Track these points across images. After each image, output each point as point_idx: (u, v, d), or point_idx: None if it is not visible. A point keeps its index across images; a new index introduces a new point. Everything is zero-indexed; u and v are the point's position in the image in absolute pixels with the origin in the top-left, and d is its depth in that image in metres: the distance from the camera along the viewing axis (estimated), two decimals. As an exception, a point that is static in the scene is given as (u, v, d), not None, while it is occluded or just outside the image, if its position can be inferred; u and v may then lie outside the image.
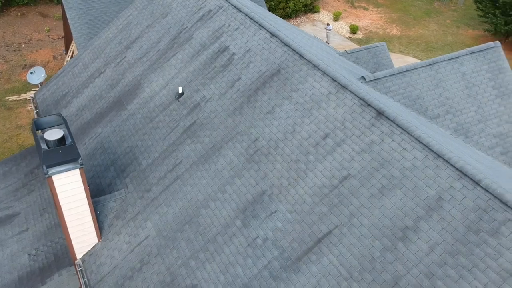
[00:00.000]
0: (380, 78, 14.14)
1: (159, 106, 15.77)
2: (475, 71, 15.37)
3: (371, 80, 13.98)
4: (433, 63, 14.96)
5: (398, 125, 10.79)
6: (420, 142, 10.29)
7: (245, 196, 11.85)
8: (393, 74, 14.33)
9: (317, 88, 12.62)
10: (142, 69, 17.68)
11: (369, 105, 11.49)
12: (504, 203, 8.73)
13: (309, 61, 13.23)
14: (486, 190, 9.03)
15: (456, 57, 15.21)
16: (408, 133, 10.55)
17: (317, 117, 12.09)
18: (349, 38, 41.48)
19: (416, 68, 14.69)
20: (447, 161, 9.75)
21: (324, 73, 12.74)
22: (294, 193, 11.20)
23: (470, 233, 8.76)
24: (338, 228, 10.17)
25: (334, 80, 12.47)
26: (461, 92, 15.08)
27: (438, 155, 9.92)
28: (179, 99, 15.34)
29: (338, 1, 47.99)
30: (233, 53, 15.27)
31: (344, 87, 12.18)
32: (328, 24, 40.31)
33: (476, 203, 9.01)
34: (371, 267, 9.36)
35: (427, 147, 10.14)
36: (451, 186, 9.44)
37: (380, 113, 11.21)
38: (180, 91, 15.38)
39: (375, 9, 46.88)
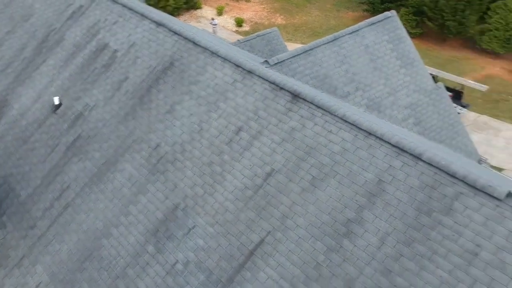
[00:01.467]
0: (284, 60, 12.84)
1: (33, 123, 13.11)
2: (377, 43, 14.70)
3: (276, 64, 12.63)
4: (336, 38, 13.99)
5: (318, 106, 9.49)
6: (346, 121, 9.07)
7: (154, 215, 9.87)
8: (298, 55, 13.12)
9: (219, 77, 10.96)
10: (7, 83, 14.75)
11: (281, 88, 10.08)
12: (452, 176, 7.75)
13: (206, 48, 11.53)
14: (430, 164, 8.00)
15: (357, 30, 14.40)
16: (331, 114, 9.29)
17: (225, 109, 10.44)
18: (236, 32, 40.42)
19: (319, 46, 13.62)
20: (380, 138, 8.62)
21: (225, 59, 11.11)
22: (213, 202, 9.46)
23: (422, 216, 7.66)
24: (271, 235, 8.63)
25: (237, 66, 10.89)
26: (367, 66, 14.31)
27: (369, 133, 8.76)
28: (56, 112, 12.83)
29: (219, -5, 46.78)
30: (115, 50, 13.08)
31: (250, 72, 10.65)
32: (213, 19, 38.88)
33: (421, 181, 7.94)
34: (317, 275, 7.93)
35: (355, 126, 8.94)
36: (390, 165, 8.31)
37: (295, 96, 9.84)
38: (57, 102, 12.88)
39: (257, 0, 46.33)
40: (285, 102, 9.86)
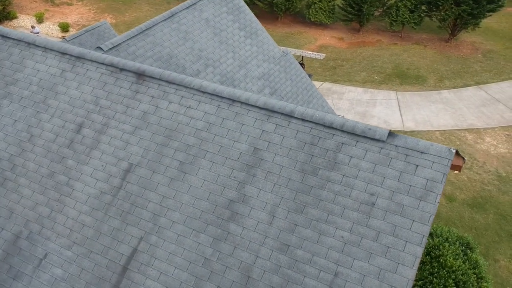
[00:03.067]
0: (120, 44, 11.23)
1: None
2: (217, 15, 13.79)
3: (110, 49, 10.97)
4: (173, 15, 12.74)
5: (169, 82, 8.17)
6: (205, 92, 7.91)
7: (-11, 254, 7.72)
8: (134, 36, 11.59)
9: (43, 71, 9.00)
10: None
11: (122, 69, 8.54)
12: (330, 127, 7.05)
13: (19, 40, 9.42)
14: (304, 120, 7.22)
15: (193, 4, 13.31)
16: (186, 87, 8.05)
17: (58, 107, 8.57)
18: (63, 38, 36.78)
19: (157, 24, 12.24)
20: (246, 103, 7.62)
21: (46, 48, 9.17)
22: (65, 220, 7.64)
23: (308, 176, 6.85)
24: (144, 240, 7.15)
25: (63, 53, 9.04)
26: (212, 41, 13.32)
27: (233, 100, 7.71)
28: None
29: (35, 1, 42.22)
30: None
31: (80, 58, 8.90)
32: (33, 27, 34.79)
33: (299, 139, 7.13)
34: (208, 272, 6.70)
35: (216, 95, 7.82)
36: (263, 130, 7.36)
37: (140, 75, 8.39)
38: None
39: (80, 3, 42.84)
40: (130, 84, 8.36)
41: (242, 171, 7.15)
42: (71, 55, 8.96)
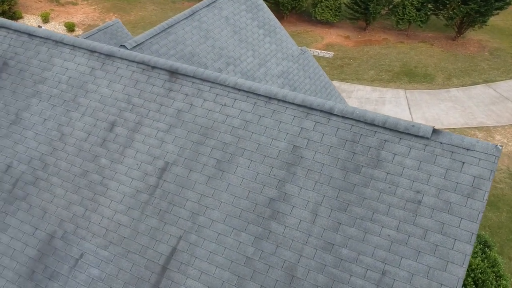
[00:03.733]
0: (143, 42, 11.15)
1: None
2: (236, 13, 13.71)
3: (134, 47, 10.89)
4: (193, 13, 12.66)
5: (203, 80, 8.10)
6: (240, 89, 7.83)
7: (24, 255, 7.63)
8: (156, 34, 11.51)
9: (72, 69, 8.91)
10: None
11: (154, 67, 8.46)
12: (371, 124, 6.98)
13: (47, 38, 9.33)
14: (344, 117, 7.15)
15: (213, 2, 13.23)
16: (221, 85, 7.97)
17: (89, 105, 8.49)
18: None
19: (178, 22, 12.17)
20: (283, 101, 7.54)
21: (75, 46, 9.08)
22: (100, 219, 7.56)
23: (351, 174, 6.78)
24: (183, 239, 7.07)
25: (92, 51, 8.96)
26: (232, 39, 13.25)
27: (269, 97, 7.63)
28: None
29: (41, 1, 42.09)
30: None
31: (110, 56, 8.81)
32: (40, 27, 34.68)
33: (340, 137, 7.05)
34: (250, 271, 6.63)
35: (251, 92, 7.74)
36: (302, 127, 7.29)
37: (173, 73, 8.31)
38: None
39: (85, 2, 42.73)
40: (163, 82, 8.28)
41: (282, 169, 7.08)
42: (100, 53, 8.88)
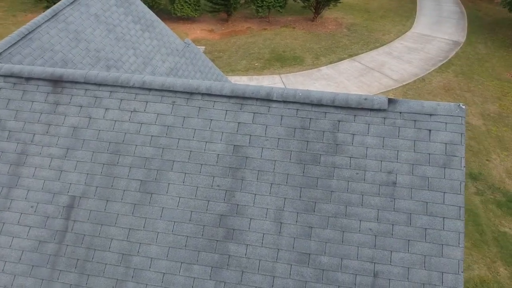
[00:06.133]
0: (1, 53, 8.89)
1: None
2: (106, 9, 11.84)
3: (-11, 61, 8.61)
4: (56, 13, 10.55)
5: (100, 85, 6.37)
6: (151, 89, 6.29)
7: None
8: (16, 42, 9.28)
9: None
10: None
11: (29, 78, 6.50)
12: (318, 104, 5.94)
13: None
14: (286, 101, 6.01)
15: (76, -1, 11.21)
16: (123, 87, 6.33)
17: None
18: None
19: (40, 25, 10.01)
20: (208, 94, 6.16)
21: None
22: (-7, 290, 5.53)
23: (310, 167, 5.67)
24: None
25: None
26: (108, 38, 11.39)
27: (191, 93, 6.20)
28: None
29: None
30: None
31: (-38, 72, 6.64)
32: None
33: (286, 125, 5.89)
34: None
35: (166, 90, 6.23)
36: (239, 122, 5.98)
37: (57, 81, 6.45)
38: None
39: None
40: (45, 96, 6.39)
41: (226, 176, 5.75)
42: None
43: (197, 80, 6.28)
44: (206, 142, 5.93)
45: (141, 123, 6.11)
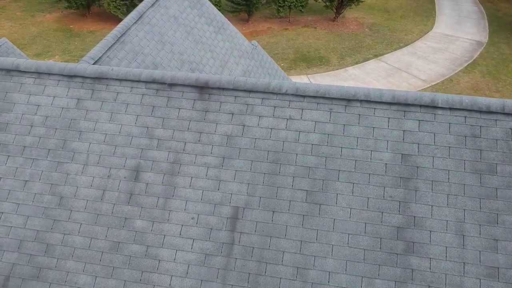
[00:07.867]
0: (101, 57, 8.65)
1: None
2: (182, 11, 11.61)
3: (92, 64, 8.37)
4: (141, 15, 10.30)
5: (249, 91, 6.17)
6: (305, 96, 6.08)
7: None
8: (112, 46, 9.04)
9: (47, 104, 6.32)
10: None
11: (172, 84, 6.28)
12: (487, 111, 5.76)
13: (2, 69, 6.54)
14: (452, 109, 5.83)
15: (156, 0, 10.97)
16: (275, 94, 6.12)
17: (91, 149, 6.04)
18: None
19: (129, 28, 9.76)
20: (366, 101, 5.97)
21: (39, 73, 6.47)
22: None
23: (486, 177, 5.50)
24: None
25: (71, 76, 6.45)
26: (187, 41, 11.16)
27: (348, 100, 6.00)
28: None
29: None
30: None
31: (98, 78, 6.40)
32: None
33: (455, 133, 5.71)
34: None
35: (321, 97, 6.03)
36: (404, 130, 5.80)
37: (203, 87, 6.23)
38: None
39: None
40: (192, 103, 6.17)
41: (398, 186, 5.56)
42: (83, 77, 6.41)
43: (351, 86, 6.07)
44: (371, 151, 5.73)
45: (299, 131, 5.90)
